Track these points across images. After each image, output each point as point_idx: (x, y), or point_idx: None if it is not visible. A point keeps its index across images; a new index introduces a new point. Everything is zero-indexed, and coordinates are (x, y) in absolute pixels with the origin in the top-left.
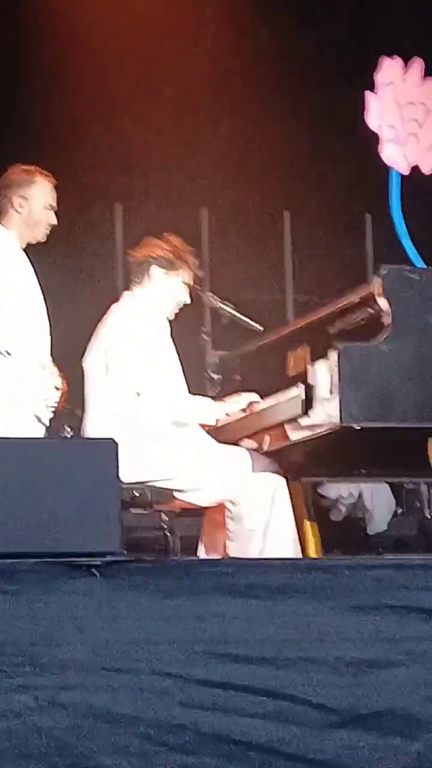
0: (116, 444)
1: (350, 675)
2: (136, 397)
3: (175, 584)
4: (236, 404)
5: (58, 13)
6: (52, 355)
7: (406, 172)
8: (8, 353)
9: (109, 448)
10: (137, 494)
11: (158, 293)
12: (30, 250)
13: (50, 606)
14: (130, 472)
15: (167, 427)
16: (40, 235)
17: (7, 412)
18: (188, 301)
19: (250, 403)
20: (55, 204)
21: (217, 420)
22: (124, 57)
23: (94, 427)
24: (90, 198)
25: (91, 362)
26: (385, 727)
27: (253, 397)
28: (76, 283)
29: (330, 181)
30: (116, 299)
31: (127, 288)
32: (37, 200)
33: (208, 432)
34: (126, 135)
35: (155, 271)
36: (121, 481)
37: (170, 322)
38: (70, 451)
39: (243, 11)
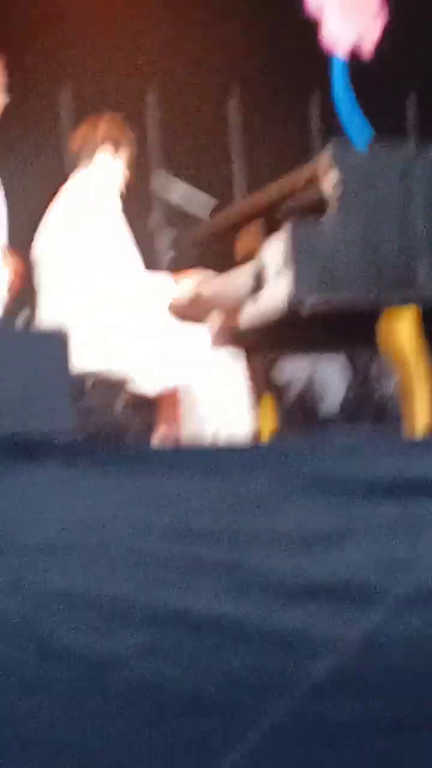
0: (66, 333)
1: (306, 550)
2: (88, 281)
3: (132, 466)
4: (189, 282)
5: None
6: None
7: (348, 49)
8: None
9: (60, 338)
10: (90, 383)
11: (105, 170)
12: None
13: (7, 488)
14: (83, 360)
15: (122, 311)
16: None
17: None
18: (131, 178)
19: (201, 282)
20: (4, 82)
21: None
22: None
23: (49, 312)
24: (37, 77)
25: (44, 246)
26: (343, 598)
27: (206, 274)
28: (26, 165)
29: (276, 62)
30: (64, 180)
31: (72, 170)
32: None
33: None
34: (72, 15)
35: (102, 150)
36: (72, 371)
37: (122, 200)
38: (22, 340)
39: None
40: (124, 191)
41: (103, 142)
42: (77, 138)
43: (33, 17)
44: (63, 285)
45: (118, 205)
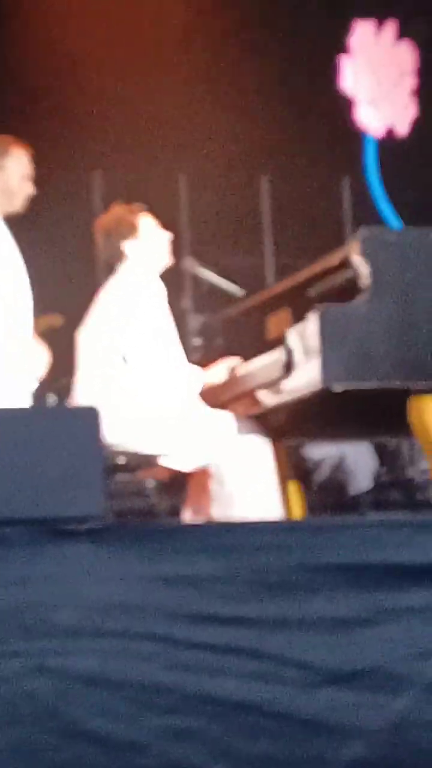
0: (97, 410)
1: (333, 634)
2: (124, 363)
3: (160, 547)
4: (220, 369)
5: None
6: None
7: (381, 134)
8: None
9: (91, 414)
10: (122, 461)
11: (140, 258)
12: (8, 220)
13: (36, 571)
14: (114, 437)
15: (153, 393)
16: (17, 205)
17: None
18: (169, 260)
19: (233, 368)
20: (31, 174)
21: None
22: (98, 22)
23: (81, 394)
24: (67, 166)
25: (86, 332)
26: (369, 684)
27: (236, 362)
28: (56, 254)
29: (307, 145)
30: (94, 269)
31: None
32: (13, 170)
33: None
34: (103, 103)
35: (126, 242)
36: (104, 447)
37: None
38: (53, 418)
39: None
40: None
41: (120, 237)
42: (97, 245)
43: (61, 107)
44: (99, 366)
45: (161, 289)
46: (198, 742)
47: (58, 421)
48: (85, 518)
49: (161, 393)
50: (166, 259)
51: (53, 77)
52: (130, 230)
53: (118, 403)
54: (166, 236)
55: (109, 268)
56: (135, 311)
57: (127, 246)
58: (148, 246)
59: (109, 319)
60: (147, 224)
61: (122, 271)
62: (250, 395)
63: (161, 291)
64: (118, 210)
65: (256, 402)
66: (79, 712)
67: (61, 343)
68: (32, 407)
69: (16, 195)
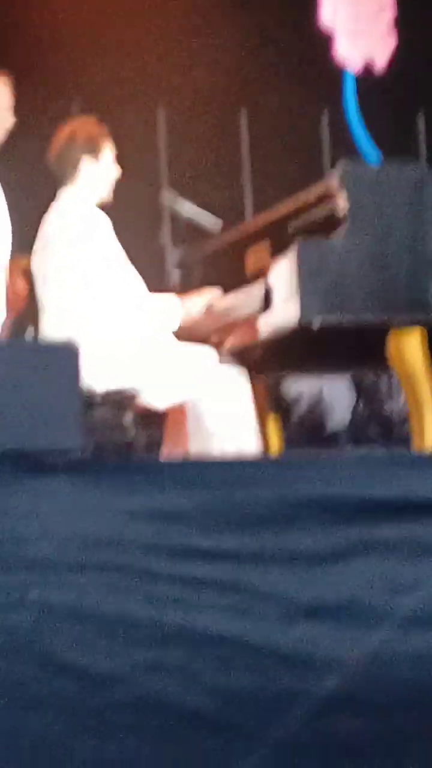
0: (77, 345)
1: (310, 568)
2: (93, 297)
3: (138, 481)
4: (199, 301)
5: None
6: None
7: (360, 69)
8: None
9: (70, 351)
10: (99, 398)
11: (91, 183)
12: None
13: (14, 504)
14: (92, 377)
15: (127, 327)
16: None
17: None
18: (119, 174)
19: (211, 302)
20: (11, 103)
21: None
22: None
23: (52, 329)
24: (47, 96)
25: (39, 263)
26: (344, 618)
27: (215, 292)
28: (34, 183)
29: (286, 78)
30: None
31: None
32: None
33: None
34: (83, 33)
35: (84, 160)
36: (82, 385)
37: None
38: (32, 353)
39: None
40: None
41: (81, 151)
42: (54, 147)
43: (42, 36)
44: (66, 303)
45: (106, 219)
46: (174, 675)
47: (37, 355)
48: (63, 452)
49: (132, 326)
50: (108, 195)
51: (34, 7)
52: (95, 148)
53: (93, 339)
54: (116, 173)
55: (54, 179)
56: (92, 241)
57: (85, 163)
58: (101, 173)
59: (66, 252)
60: (109, 151)
61: (71, 194)
62: (229, 329)
63: (105, 219)
64: (90, 122)
65: (237, 334)
66: (57, 645)
67: None
68: (10, 341)
69: None
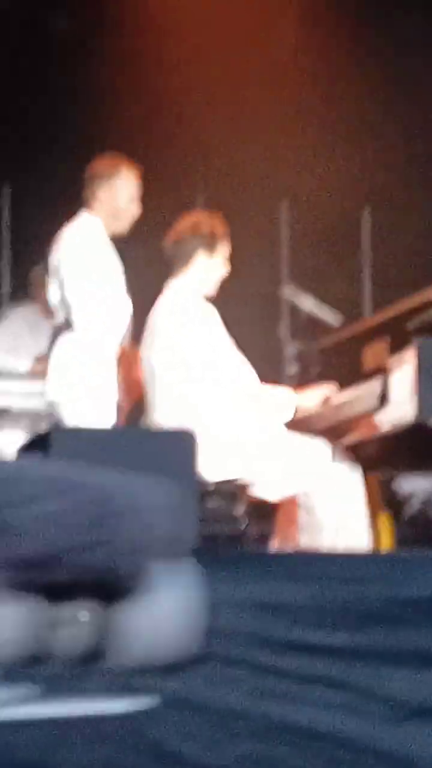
0: (193, 435)
1: (420, 668)
2: (203, 386)
3: (249, 573)
4: (315, 396)
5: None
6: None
7: None
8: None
9: (187, 439)
10: (212, 487)
11: (201, 277)
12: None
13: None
14: (206, 467)
15: (242, 419)
16: (123, 226)
17: (93, 398)
18: (228, 272)
19: (328, 396)
20: (139, 195)
21: (296, 410)
22: (208, 46)
23: (163, 418)
24: (172, 189)
25: (147, 352)
26: None
27: (331, 388)
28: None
29: (412, 179)
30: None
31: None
32: (122, 192)
33: (286, 423)
34: (209, 128)
35: (198, 252)
36: (198, 474)
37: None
38: (149, 440)
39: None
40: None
41: (199, 245)
42: (172, 235)
43: (172, 130)
44: (176, 392)
45: (212, 309)
46: None
47: (154, 442)
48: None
49: (245, 416)
50: (213, 291)
51: (162, 100)
52: (213, 243)
53: (208, 429)
54: (226, 272)
55: (165, 266)
56: (201, 329)
57: (200, 256)
58: (213, 270)
59: (173, 341)
60: (225, 250)
61: (180, 285)
62: (346, 425)
63: (211, 309)
64: (213, 217)
65: (354, 430)
66: (165, 734)
67: None
68: (128, 427)
69: (123, 215)
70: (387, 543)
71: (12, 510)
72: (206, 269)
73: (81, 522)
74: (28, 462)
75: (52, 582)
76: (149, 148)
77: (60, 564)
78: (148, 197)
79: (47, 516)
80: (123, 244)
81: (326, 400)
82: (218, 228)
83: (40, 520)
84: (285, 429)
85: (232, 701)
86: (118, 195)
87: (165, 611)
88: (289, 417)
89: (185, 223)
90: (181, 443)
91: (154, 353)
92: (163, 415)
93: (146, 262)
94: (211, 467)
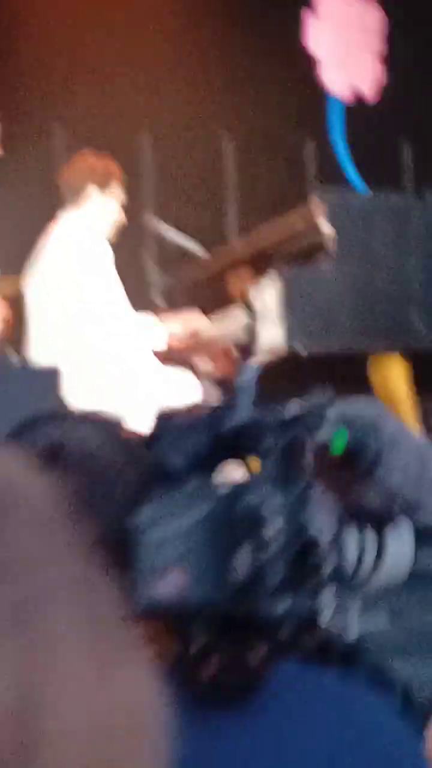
0: (59, 371)
1: None
2: (83, 320)
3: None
4: (179, 322)
5: None
6: None
7: (346, 96)
8: None
9: (53, 376)
10: None
11: (94, 214)
12: None
13: None
14: (75, 401)
15: (112, 353)
16: None
17: None
18: (123, 220)
19: (194, 330)
20: None
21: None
22: None
23: (39, 351)
24: (29, 116)
25: (33, 286)
26: None
27: (196, 316)
28: (17, 205)
29: (271, 105)
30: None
31: (62, 207)
32: None
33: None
34: (66, 57)
35: (89, 189)
36: (65, 407)
37: (111, 244)
38: (13, 377)
39: None
40: (115, 230)
41: (91, 180)
42: (64, 174)
43: (25, 57)
44: (53, 326)
45: (107, 247)
46: None
47: (18, 380)
48: None
49: (120, 352)
50: (115, 223)
51: (16, 27)
52: (106, 182)
53: (78, 362)
54: (120, 218)
55: (61, 204)
56: (87, 269)
57: (93, 192)
58: (106, 208)
59: (61, 274)
60: (118, 194)
61: (74, 219)
62: (212, 355)
63: (105, 248)
64: (107, 160)
65: (219, 362)
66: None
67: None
68: None
69: None
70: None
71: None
72: (98, 205)
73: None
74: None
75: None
76: (6, 80)
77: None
78: (5, 124)
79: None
80: None
81: (194, 332)
82: (112, 168)
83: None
84: (155, 360)
85: None
86: None
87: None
88: (160, 345)
89: (79, 160)
90: (47, 379)
91: (42, 288)
92: (36, 349)
93: (6, 192)
94: (81, 401)
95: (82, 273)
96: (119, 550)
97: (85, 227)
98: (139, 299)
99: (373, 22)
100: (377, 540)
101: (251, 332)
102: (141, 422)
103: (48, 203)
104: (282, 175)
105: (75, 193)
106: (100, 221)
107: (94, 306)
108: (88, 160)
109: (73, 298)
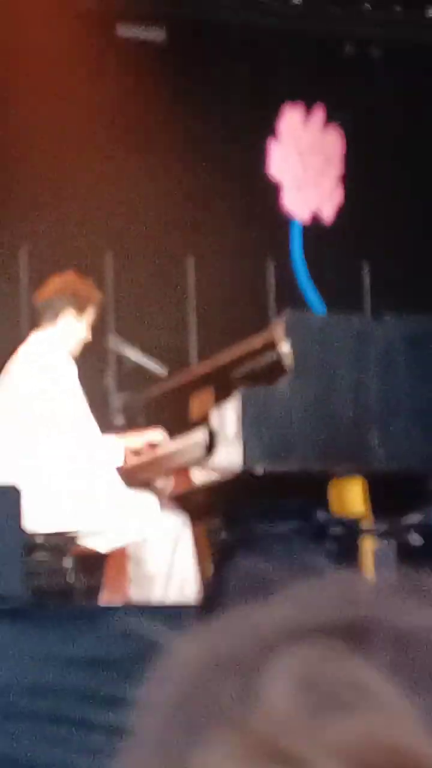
0: (18, 490)
1: None
2: (44, 440)
3: (78, 629)
4: (139, 438)
5: None
6: None
7: (307, 219)
8: None
9: (12, 495)
10: (40, 540)
11: (66, 335)
12: None
13: None
14: (34, 519)
15: (73, 471)
16: None
17: None
18: (89, 339)
19: (152, 444)
20: None
21: (123, 459)
22: (24, 99)
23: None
24: None
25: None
26: None
27: (158, 433)
28: None
29: (233, 228)
30: (18, 343)
31: (32, 328)
32: None
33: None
34: (31, 178)
35: (67, 312)
36: (23, 529)
37: (75, 363)
38: None
39: (147, 58)
40: (81, 352)
41: (70, 303)
42: (43, 293)
43: None
44: (15, 444)
45: (73, 365)
46: None
47: None
48: (2, 598)
49: (80, 471)
50: (82, 342)
51: None
52: (84, 304)
53: (37, 481)
54: (88, 338)
55: (31, 323)
56: (52, 388)
57: (67, 315)
58: (78, 332)
59: (25, 394)
60: (91, 316)
61: (45, 338)
62: (171, 474)
63: (74, 367)
64: (86, 283)
65: (178, 481)
66: None
67: None
68: None
69: None
70: None
71: None
72: (72, 328)
73: None
74: None
75: None
76: None
77: None
78: None
79: None
80: None
81: (154, 450)
82: (91, 293)
83: None
84: (116, 478)
85: (59, 759)
86: None
87: None
88: (118, 462)
89: (59, 282)
90: (6, 498)
91: (4, 406)
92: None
93: None
94: (40, 519)
95: (48, 389)
96: None
97: (55, 346)
98: (100, 418)
99: (333, 147)
100: None
101: (209, 451)
102: (100, 541)
103: (12, 323)
104: (244, 297)
105: (52, 314)
106: (69, 340)
107: (59, 422)
108: (71, 282)
109: (37, 414)
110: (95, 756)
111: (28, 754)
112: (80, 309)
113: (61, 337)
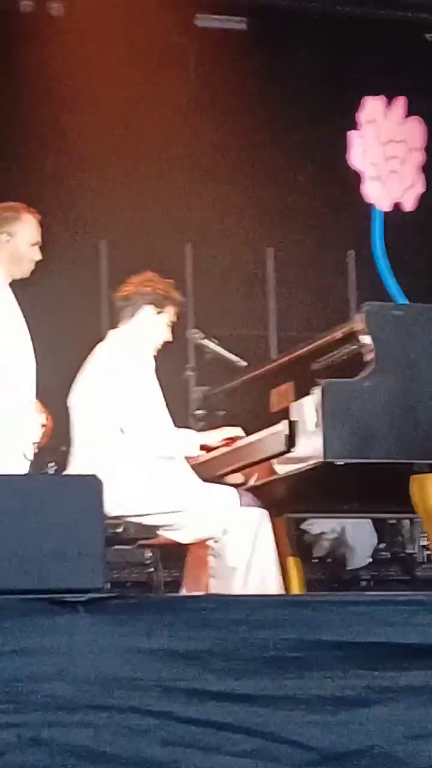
0: (100, 480)
1: (330, 713)
2: (121, 433)
3: (157, 621)
4: (217, 435)
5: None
6: (37, 392)
7: (388, 210)
8: None
9: (92, 484)
10: (120, 530)
11: (144, 331)
12: (14, 285)
13: (33, 642)
14: (114, 508)
15: (152, 464)
16: (24, 271)
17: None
18: (170, 339)
19: (232, 438)
20: (39, 240)
21: (201, 453)
22: (111, 96)
23: (79, 463)
24: (75, 234)
25: (77, 400)
26: (365, 765)
27: (236, 430)
28: (61, 320)
29: (314, 219)
30: (100, 337)
31: (112, 326)
32: (22, 236)
33: (192, 466)
34: (112, 172)
35: (145, 309)
36: (105, 517)
37: (154, 357)
38: (54, 487)
39: (227, 48)
40: (161, 347)
41: (148, 301)
42: (123, 290)
43: (72, 178)
44: (96, 437)
45: (152, 363)
46: None
47: (58, 490)
48: (84, 590)
49: (158, 465)
50: (161, 340)
51: (63, 150)
52: (163, 303)
53: (118, 473)
54: (168, 338)
55: (112, 322)
56: (132, 383)
57: (145, 312)
58: (157, 330)
59: (106, 389)
60: (171, 317)
61: (123, 335)
62: (252, 468)
63: (151, 363)
64: (168, 283)
65: (266, 473)
66: None
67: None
68: (32, 474)
69: (23, 260)
70: (297, 586)
71: None
72: (150, 325)
73: None
74: None
75: None
76: (54, 195)
77: None
78: (52, 243)
79: None
80: (21, 290)
81: (231, 443)
82: (171, 292)
83: None
84: (192, 472)
85: (142, 750)
86: (18, 240)
87: None
88: (192, 454)
89: (138, 280)
90: (88, 489)
91: (86, 398)
92: (79, 461)
93: (44, 308)
94: (120, 511)
95: (127, 384)
96: None
97: (132, 342)
98: (180, 412)
99: (415, 138)
100: None
101: (290, 443)
102: (179, 534)
103: (92, 318)
104: (324, 289)
105: (130, 311)
106: (147, 337)
107: (137, 416)
108: (150, 280)
109: (116, 408)
110: (174, 748)
111: (108, 747)
112: (159, 307)
113: (139, 333)
